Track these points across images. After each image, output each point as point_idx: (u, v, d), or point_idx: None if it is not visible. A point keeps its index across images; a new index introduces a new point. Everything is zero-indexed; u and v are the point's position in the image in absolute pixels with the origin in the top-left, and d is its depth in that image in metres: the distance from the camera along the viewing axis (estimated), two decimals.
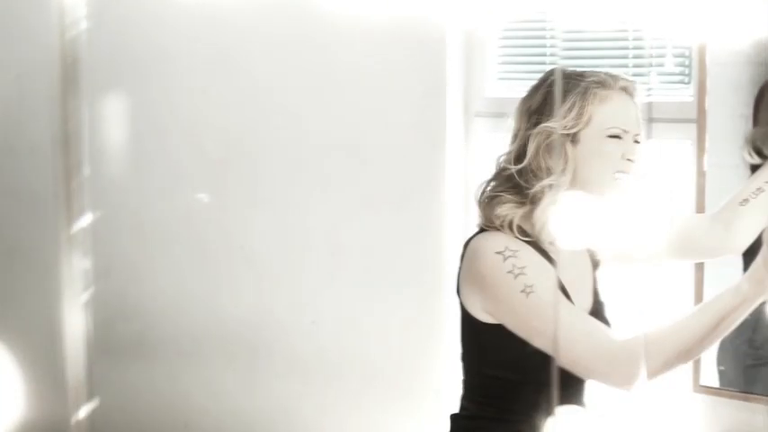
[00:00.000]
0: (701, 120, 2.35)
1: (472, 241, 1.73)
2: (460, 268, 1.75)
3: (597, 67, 2.58)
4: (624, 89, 1.75)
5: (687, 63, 2.50)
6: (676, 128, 2.50)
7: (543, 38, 2.69)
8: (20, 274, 3.49)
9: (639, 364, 1.54)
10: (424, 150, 2.76)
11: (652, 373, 1.57)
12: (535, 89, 1.78)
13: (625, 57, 2.59)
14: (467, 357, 1.81)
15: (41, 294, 3.33)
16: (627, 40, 2.56)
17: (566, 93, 1.70)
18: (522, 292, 1.60)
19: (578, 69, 1.80)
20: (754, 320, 1.64)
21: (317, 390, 3.03)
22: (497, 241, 1.65)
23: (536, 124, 1.72)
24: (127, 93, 3.22)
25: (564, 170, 1.68)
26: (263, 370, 3.12)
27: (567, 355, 1.57)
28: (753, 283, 1.52)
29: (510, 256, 1.62)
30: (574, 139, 1.71)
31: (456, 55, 2.73)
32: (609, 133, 1.71)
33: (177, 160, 3.17)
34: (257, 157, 3.05)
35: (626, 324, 2.42)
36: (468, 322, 1.75)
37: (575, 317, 1.62)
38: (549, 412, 1.14)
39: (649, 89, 2.55)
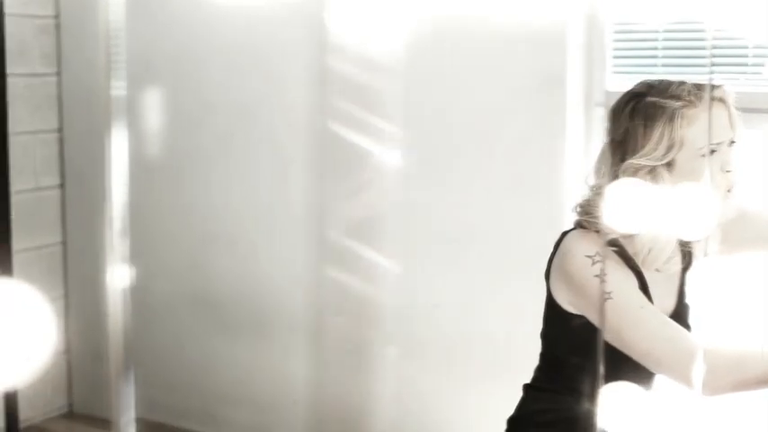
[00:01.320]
0: None
1: (568, 236, 1.77)
2: (553, 257, 1.80)
3: (714, 57, 2.58)
4: (711, 98, 1.70)
5: None
6: None
7: (656, 31, 2.68)
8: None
9: (719, 374, 1.57)
10: (546, 140, 2.81)
11: (725, 389, 1.59)
12: (618, 112, 1.73)
13: (744, 47, 2.56)
14: (546, 336, 1.89)
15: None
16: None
17: (653, 120, 1.67)
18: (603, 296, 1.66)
19: (660, 84, 1.73)
20: None
21: (435, 373, 3.09)
22: (590, 245, 1.69)
23: (622, 160, 1.70)
24: (248, 84, 3.33)
25: None
26: (380, 351, 3.20)
27: (649, 359, 1.64)
28: None
29: (598, 261, 1.67)
30: (669, 164, 1.67)
31: (576, 49, 2.75)
32: (702, 153, 1.67)
33: (292, 146, 3.28)
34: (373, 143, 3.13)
35: (716, 328, 2.41)
36: (552, 307, 1.81)
37: (657, 322, 1.65)
38: (594, 392, 1.18)
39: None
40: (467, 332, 3.02)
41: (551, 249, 1.82)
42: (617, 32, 2.74)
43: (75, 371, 3.80)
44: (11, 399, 1.90)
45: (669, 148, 1.67)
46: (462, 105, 2.97)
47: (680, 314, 1.81)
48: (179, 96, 3.48)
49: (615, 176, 1.70)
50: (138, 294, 3.56)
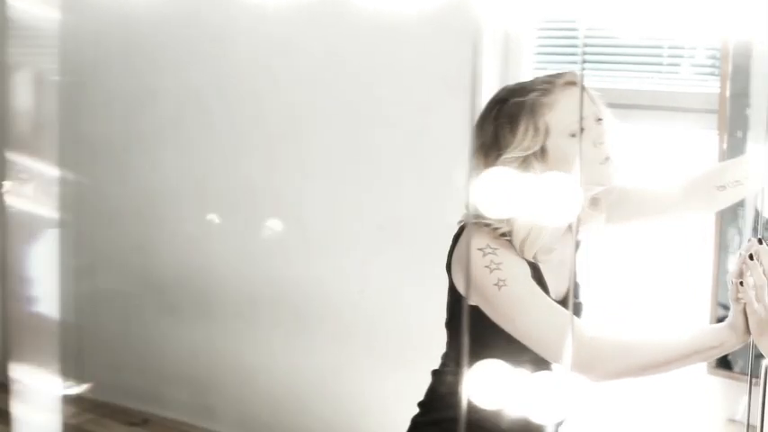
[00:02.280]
0: (722, 110, 2.42)
1: (465, 231, 1.85)
2: (453, 249, 1.88)
3: (631, 57, 2.68)
4: (566, 83, 1.77)
5: (718, 56, 2.55)
6: (705, 118, 2.57)
7: (576, 29, 2.77)
8: None
9: (604, 361, 1.66)
10: (465, 136, 2.88)
11: (610, 375, 1.69)
12: (483, 122, 1.81)
13: (660, 47, 2.66)
14: (449, 324, 1.97)
15: None
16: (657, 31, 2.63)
17: (516, 116, 1.75)
18: (495, 285, 1.73)
19: (517, 86, 1.82)
20: None
21: (359, 356, 3.20)
22: (480, 238, 1.76)
23: (497, 158, 1.76)
24: (199, 69, 3.41)
25: None
26: (311, 335, 3.30)
27: (539, 345, 1.71)
28: (732, 333, 1.63)
29: (489, 253, 1.74)
30: (542, 152, 1.75)
31: (493, 47, 2.83)
32: (569, 132, 1.75)
33: (241, 132, 3.36)
34: (312, 134, 3.22)
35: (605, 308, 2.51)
36: (453, 296, 1.90)
37: (547, 310, 1.73)
38: (463, 367, 1.25)
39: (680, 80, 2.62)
40: (389, 319, 3.13)
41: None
42: (540, 30, 2.83)
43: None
44: None
45: (535, 137, 1.74)
46: (385, 100, 3.07)
47: (573, 294, 1.89)
48: (126, 80, 3.55)
49: None
50: (85, 276, 3.64)
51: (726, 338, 1.65)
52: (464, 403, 1.26)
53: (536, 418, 1.36)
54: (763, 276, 1.60)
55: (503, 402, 1.35)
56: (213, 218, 3.40)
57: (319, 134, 3.20)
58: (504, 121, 1.77)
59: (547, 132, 1.75)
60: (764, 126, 2.35)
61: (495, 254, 1.74)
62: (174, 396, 3.61)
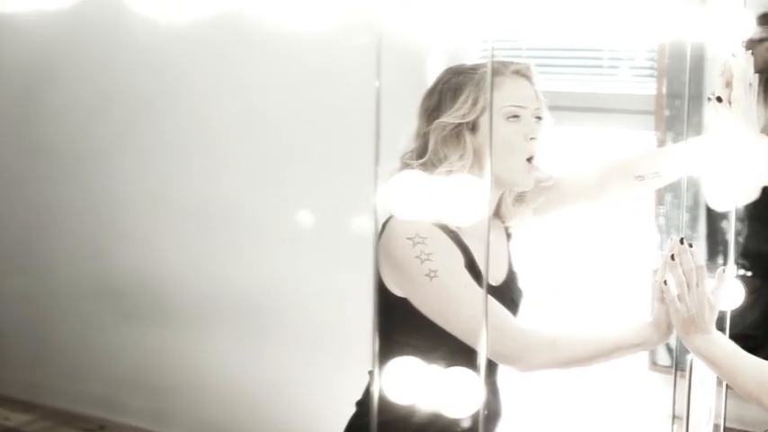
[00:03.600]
0: (658, 111, 2.46)
1: (389, 222, 1.81)
2: (378, 244, 1.84)
3: (572, 58, 2.72)
4: (517, 72, 1.80)
5: (656, 57, 2.59)
6: (644, 119, 2.61)
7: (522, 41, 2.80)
8: None
9: (531, 353, 1.68)
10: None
11: (536, 366, 1.70)
12: (431, 90, 1.84)
13: (600, 50, 2.70)
14: (380, 323, 1.95)
15: None
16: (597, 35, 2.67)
17: (461, 86, 1.78)
18: (427, 276, 1.71)
19: (471, 64, 1.86)
20: None
21: (310, 358, 3.22)
22: (409, 227, 1.73)
23: (434, 121, 1.79)
24: (149, 77, 3.42)
25: (462, 156, 1.77)
26: (263, 338, 3.32)
27: (468, 336, 1.69)
28: (655, 331, 1.66)
29: (419, 243, 1.72)
30: (473, 127, 1.77)
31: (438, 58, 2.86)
32: (505, 113, 1.77)
33: (191, 139, 3.37)
34: (257, 145, 3.25)
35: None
36: (382, 292, 1.83)
37: (479, 302, 1.67)
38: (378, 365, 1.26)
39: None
40: (338, 321, 3.15)
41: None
42: (484, 48, 2.85)
43: None
44: None
45: (473, 108, 1.77)
46: (335, 119, 3.10)
47: (509, 282, 1.91)
48: (79, 87, 3.56)
49: (426, 139, 1.81)
50: (42, 282, 3.65)
51: (648, 336, 1.68)
52: (376, 398, 1.28)
53: (450, 413, 1.38)
54: (683, 276, 1.63)
55: (417, 398, 1.37)
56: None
57: (265, 140, 3.23)
58: (449, 88, 1.81)
59: (484, 109, 1.77)
60: (696, 125, 2.40)
61: (424, 243, 1.72)
62: (130, 402, 3.62)
